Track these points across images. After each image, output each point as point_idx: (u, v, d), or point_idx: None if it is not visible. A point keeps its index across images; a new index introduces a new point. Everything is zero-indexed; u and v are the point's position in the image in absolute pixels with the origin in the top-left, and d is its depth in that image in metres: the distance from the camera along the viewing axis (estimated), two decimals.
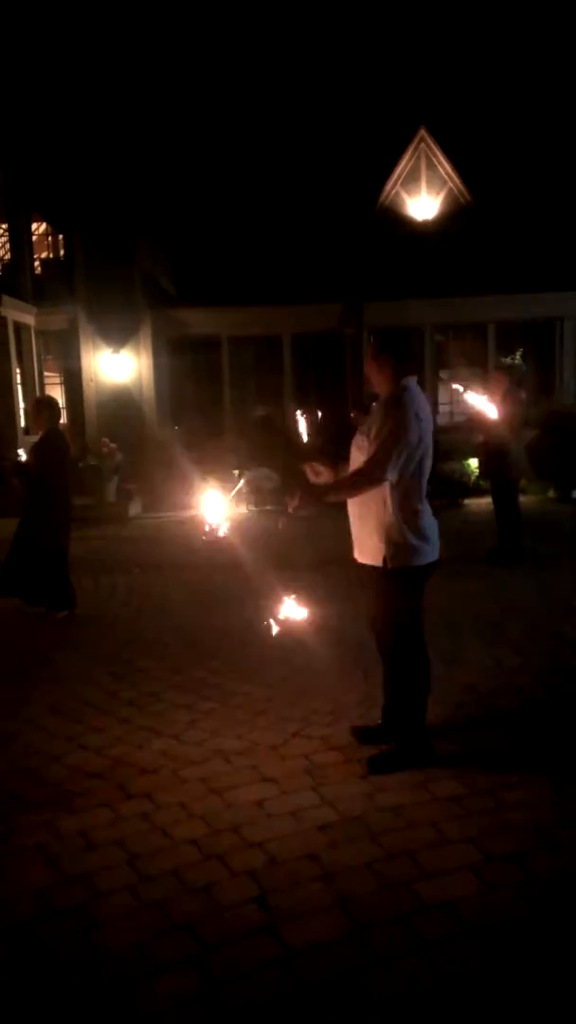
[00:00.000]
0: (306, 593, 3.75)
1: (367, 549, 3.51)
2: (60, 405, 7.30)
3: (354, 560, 3.64)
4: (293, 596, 3.79)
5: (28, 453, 6.52)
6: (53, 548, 6.33)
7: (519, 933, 2.47)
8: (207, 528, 3.75)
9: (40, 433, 6.44)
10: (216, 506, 3.74)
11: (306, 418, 5.48)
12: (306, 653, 5.24)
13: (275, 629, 3.77)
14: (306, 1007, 2.21)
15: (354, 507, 3.55)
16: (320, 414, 14.13)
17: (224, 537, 3.79)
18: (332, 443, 3.73)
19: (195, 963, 2.39)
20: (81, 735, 4.09)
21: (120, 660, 5.32)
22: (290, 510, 3.60)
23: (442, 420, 15.21)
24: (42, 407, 6.61)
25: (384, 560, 3.42)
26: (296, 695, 4.51)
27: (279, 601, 3.78)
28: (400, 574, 3.44)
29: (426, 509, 3.52)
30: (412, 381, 3.53)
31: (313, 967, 2.35)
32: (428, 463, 3.50)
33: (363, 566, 3.58)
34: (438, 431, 12.22)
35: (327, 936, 2.49)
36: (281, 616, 3.78)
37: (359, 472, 3.45)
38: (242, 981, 2.31)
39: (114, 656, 5.42)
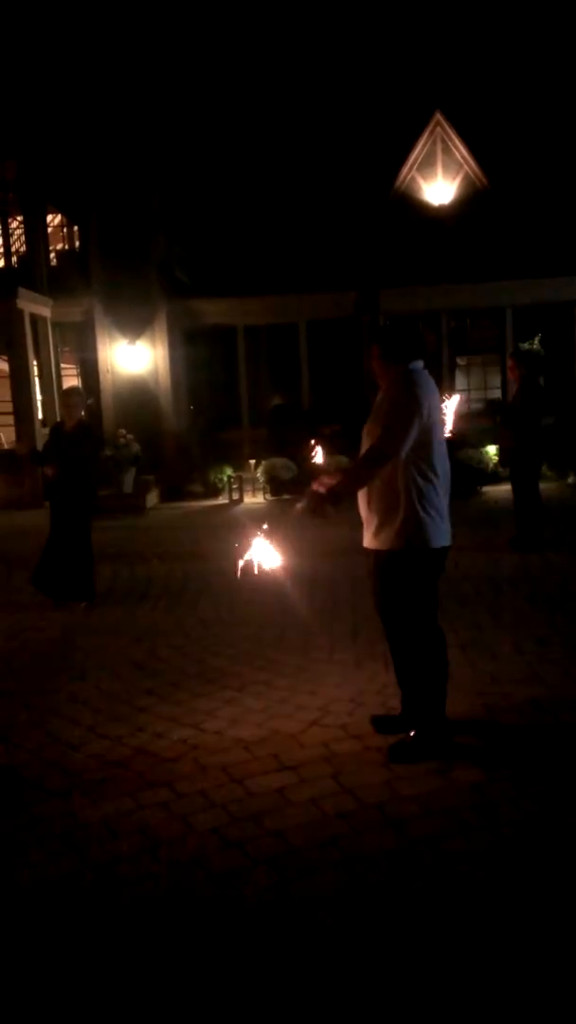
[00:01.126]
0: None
1: (381, 534, 3.47)
2: None
3: (364, 548, 3.62)
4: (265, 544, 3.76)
5: (69, 444, 6.41)
6: (87, 539, 6.40)
7: (541, 922, 2.46)
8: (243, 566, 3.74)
9: (73, 423, 6.45)
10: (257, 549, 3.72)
11: (322, 446, 5.46)
12: (325, 643, 5.25)
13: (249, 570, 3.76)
14: (328, 995, 2.22)
15: (367, 492, 3.52)
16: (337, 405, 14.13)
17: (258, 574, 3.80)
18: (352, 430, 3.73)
19: (217, 952, 2.41)
20: (102, 724, 4.12)
21: (140, 650, 5.35)
22: (300, 508, 3.61)
23: (459, 407, 15.12)
24: (78, 397, 6.65)
25: (409, 542, 3.40)
26: (315, 684, 4.51)
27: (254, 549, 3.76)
28: (416, 557, 3.42)
29: (444, 491, 3.50)
30: (418, 364, 3.53)
31: (335, 955, 2.36)
32: (442, 445, 3.49)
33: (375, 552, 3.55)
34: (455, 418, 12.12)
35: (348, 924, 2.49)
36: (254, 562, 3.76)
37: (370, 452, 3.42)
38: (263, 969, 2.32)
39: (133, 646, 5.45)
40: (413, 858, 2.81)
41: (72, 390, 7.07)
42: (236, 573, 3.77)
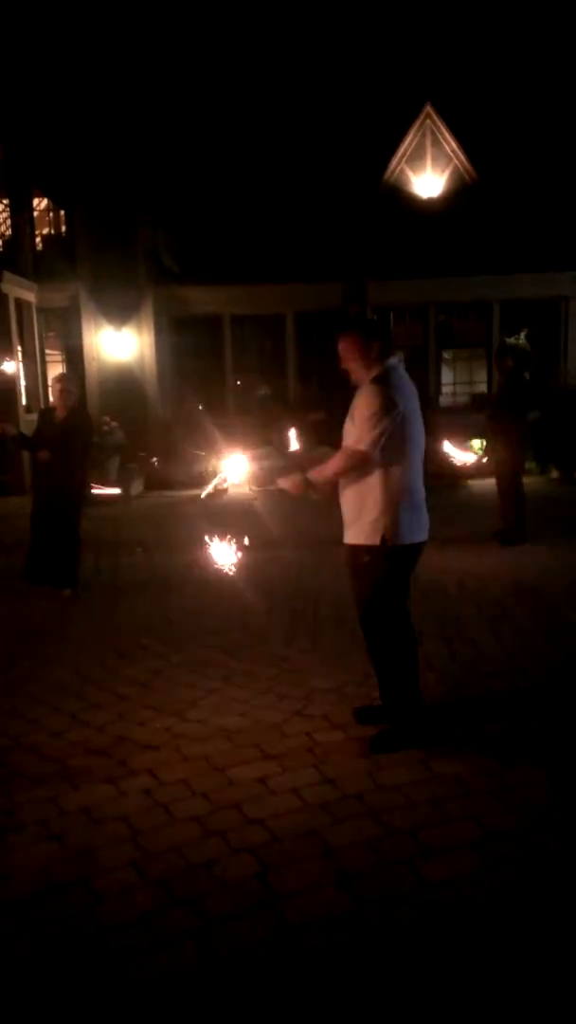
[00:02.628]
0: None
1: (361, 529, 3.49)
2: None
3: (343, 543, 3.62)
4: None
5: (62, 430, 6.34)
6: (76, 526, 6.37)
7: (520, 911, 2.49)
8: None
9: (65, 412, 6.35)
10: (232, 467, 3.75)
11: (303, 433, 5.49)
12: (309, 633, 5.27)
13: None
14: (305, 982, 2.23)
15: (347, 488, 3.54)
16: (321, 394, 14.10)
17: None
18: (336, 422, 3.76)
19: (197, 937, 2.42)
20: (84, 712, 4.11)
21: (122, 638, 5.33)
22: (277, 486, 3.66)
23: (444, 401, 15.17)
24: (72, 383, 6.57)
25: (383, 539, 3.42)
26: (297, 675, 4.52)
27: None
28: (395, 552, 3.45)
29: (419, 488, 3.53)
30: (396, 360, 3.53)
31: (313, 942, 2.38)
32: (419, 443, 3.51)
33: (353, 547, 3.57)
34: (439, 412, 12.18)
35: (327, 913, 2.51)
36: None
37: (344, 452, 3.47)
38: (242, 956, 2.33)
39: (116, 634, 5.43)
40: (394, 848, 2.82)
41: (66, 376, 6.99)
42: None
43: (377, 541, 3.43)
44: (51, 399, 7.17)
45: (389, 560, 3.47)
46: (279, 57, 16.14)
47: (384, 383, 3.41)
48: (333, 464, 3.51)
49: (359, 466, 3.42)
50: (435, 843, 2.84)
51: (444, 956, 2.31)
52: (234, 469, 3.78)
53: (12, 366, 7.95)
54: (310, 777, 3.34)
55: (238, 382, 15.26)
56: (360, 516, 3.48)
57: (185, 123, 15.54)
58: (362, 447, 3.37)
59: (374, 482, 3.42)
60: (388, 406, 3.36)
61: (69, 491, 6.35)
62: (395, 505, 3.42)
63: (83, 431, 6.46)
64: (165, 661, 4.86)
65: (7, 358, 8.84)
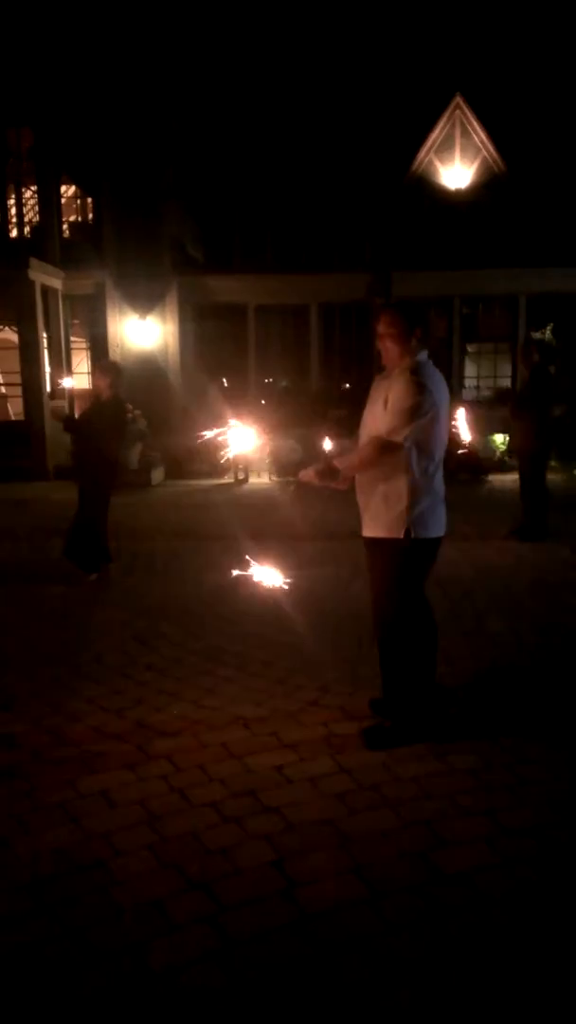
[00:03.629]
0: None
1: (381, 522, 3.47)
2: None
3: (362, 536, 3.61)
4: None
5: (91, 415, 6.42)
6: (92, 510, 6.41)
7: (534, 907, 2.48)
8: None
9: (105, 396, 6.38)
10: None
11: (331, 433, 5.47)
12: (326, 623, 5.27)
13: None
14: (319, 969, 2.24)
15: (368, 481, 3.51)
16: (347, 385, 14.06)
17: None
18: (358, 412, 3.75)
19: (211, 922, 2.43)
20: (102, 697, 4.15)
21: (142, 625, 5.37)
22: (305, 477, 3.62)
23: (468, 395, 15.07)
24: (115, 371, 6.57)
25: (407, 532, 3.41)
26: (315, 664, 4.53)
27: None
28: (418, 545, 3.44)
29: (436, 482, 3.50)
30: (424, 355, 3.48)
31: (327, 931, 2.38)
32: (444, 438, 3.49)
33: (372, 540, 3.55)
34: (463, 405, 12.11)
35: (342, 902, 2.51)
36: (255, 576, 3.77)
37: (375, 443, 3.42)
38: (257, 942, 2.35)
39: (136, 621, 5.47)
40: (409, 840, 2.82)
41: (112, 364, 7.01)
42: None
43: (401, 534, 3.41)
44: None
45: (411, 553, 3.45)
46: (309, 47, 16.03)
47: (421, 375, 3.38)
48: (363, 453, 3.48)
49: (389, 457, 3.40)
50: (450, 836, 2.84)
51: (456, 948, 2.31)
52: (243, 444, 3.75)
53: (70, 382, 8.05)
54: (327, 767, 3.34)
55: (268, 380, 15.24)
56: (384, 509, 3.46)
57: (213, 113, 15.51)
58: (397, 438, 3.34)
59: (401, 474, 3.39)
60: (427, 401, 3.33)
61: (92, 475, 6.38)
62: (421, 499, 3.41)
63: (106, 416, 6.39)
64: (183, 648, 4.88)
65: (67, 374, 8.97)
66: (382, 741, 3.51)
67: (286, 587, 3.88)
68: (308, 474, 3.63)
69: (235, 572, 4.16)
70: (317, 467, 3.58)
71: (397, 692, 3.62)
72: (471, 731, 3.65)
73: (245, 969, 2.25)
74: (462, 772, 3.28)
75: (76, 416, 6.90)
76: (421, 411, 3.33)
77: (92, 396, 6.80)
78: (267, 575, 4.16)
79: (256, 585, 4.42)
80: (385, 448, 3.39)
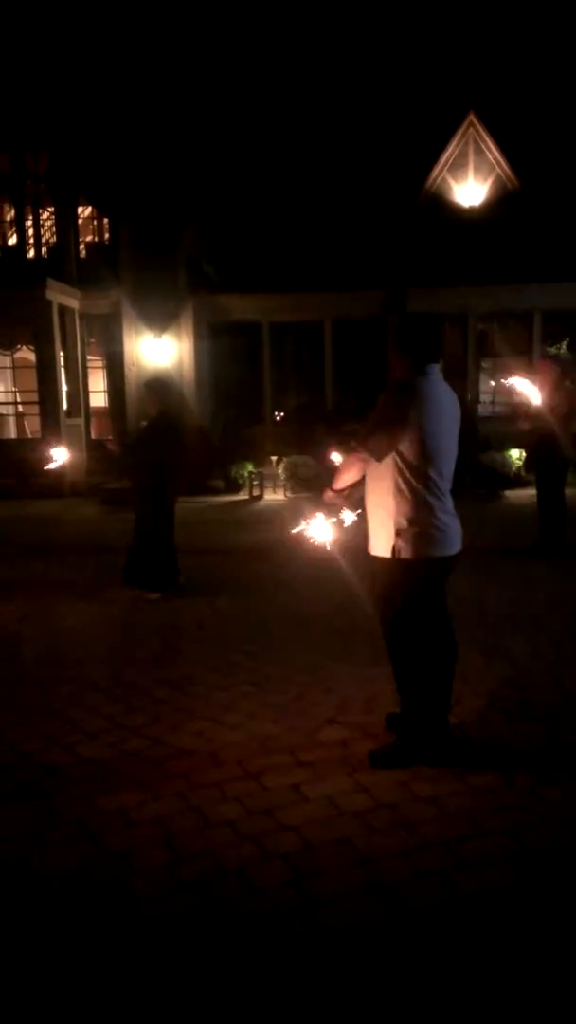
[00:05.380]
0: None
1: (379, 540, 3.45)
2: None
3: (367, 553, 3.57)
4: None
5: (143, 436, 6.52)
6: (162, 529, 6.47)
7: (555, 930, 2.45)
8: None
9: (154, 415, 6.44)
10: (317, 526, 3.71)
11: (340, 447, 5.48)
12: (343, 641, 5.25)
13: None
14: (336, 990, 2.22)
15: (370, 498, 3.51)
16: (357, 403, 14.10)
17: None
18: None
19: (230, 943, 2.41)
20: (120, 714, 4.15)
21: (158, 642, 5.37)
22: (325, 498, 3.63)
23: (484, 410, 15.05)
24: (155, 389, 6.60)
25: (394, 550, 3.36)
26: (332, 682, 4.51)
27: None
28: (412, 565, 3.38)
29: (442, 501, 3.42)
30: (434, 368, 3.42)
31: (346, 953, 2.36)
32: (445, 457, 3.41)
33: (376, 559, 3.52)
34: (478, 421, 12.09)
35: (360, 922, 2.49)
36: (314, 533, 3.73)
37: (349, 450, 3.45)
38: (276, 963, 2.33)
39: (152, 637, 5.48)
40: (427, 860, 2.80)
41: (147, 382, 7.05)
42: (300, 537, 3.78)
43: (401, 554, 3.37)
44: None
45: (408, 573, 3.39)
46: (323, 65, 16.21)
47: (403, 390, 3.35)
48: (341, 467, 3.53)
49: (358, 464, 3.42)
50: (470, 856, 2.81)
51: (476, 970, 2.28)
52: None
53: (63, 453, 8.17)
54: (344, 785, 3.32)
55: (279, 416, 15.34)
56: (380, 527, 3.44)
57: (228, 134, 15.68)
58: (360, 444, 3.35)
59: (390, 492, 3.37)
60: (396, 415, 3.29)
61: (149, 495, 6.38)
62: (411, 517, 3.34)
63: (160, 436, 6.37)
64: (200, 666, 4.88)
65: (58, 445, 9.09)
66: (387, 762, 3.47)
67: (303, 603, 3.86)
68: (326, 508, 3.63)
69: (249, 580, 4.14)
70: (326, 493, 3.59)
71: (407, 711, 3.58)
72: (490, 750, 3.62)
73: (262, 992, 2.23)
74: (481, 791, 3.25)
75: (130, 443, 6.97)
76: (391, 422, 3.28)
77: (144, 417, 6.85)
78: (284, 592, 4.16)
79: (272, 602, 4.42)
80: (354, 458, 3.41)
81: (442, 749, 3.51)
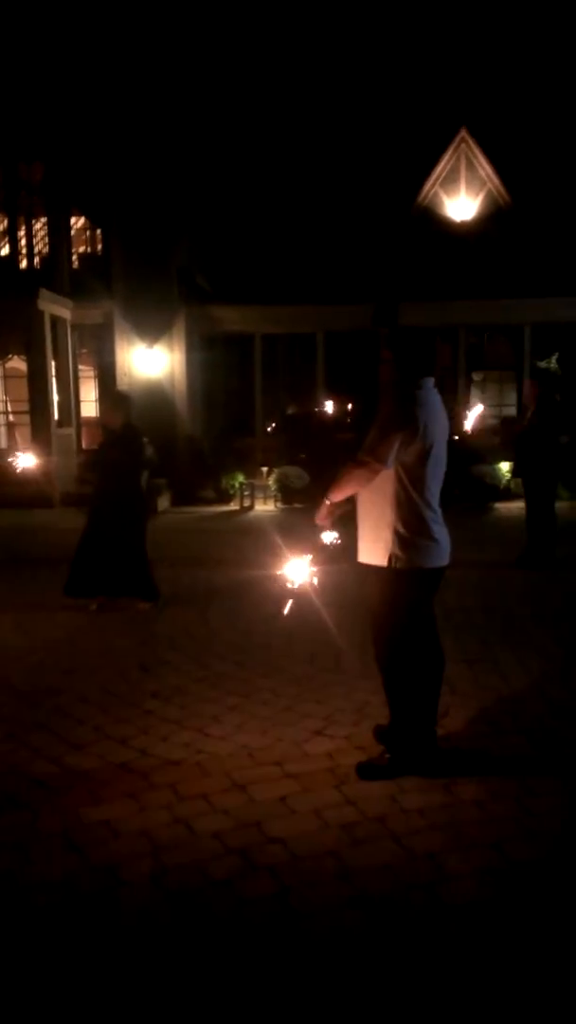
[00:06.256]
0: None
1: (371, 549, 3.44)
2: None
3: (356, 561, 3.56)
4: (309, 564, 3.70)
5: (107, 447, 6.53)
6: (131, 540, 6.41)
7: (540, 943, 2.45)
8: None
9: (118, 428, 6.44)
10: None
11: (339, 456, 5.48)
12: (332, 652, 5.25)
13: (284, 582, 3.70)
14: (322, 1004, 2.22)
15: (360, 506, 3.50)
16: (351, 406, 14.15)
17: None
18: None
19: (215, 956, 2.41)
20: (107, 725, 4.14)
21: (146, 653, 5.36)
22: (318, 521, 3.57)
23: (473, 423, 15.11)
24: (121, 401, 6.65)
25: (389, 559, 3.36)
26: (320, 693, 4.51)
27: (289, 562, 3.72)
28: (405, 575, 3.38)
29: (435, 512, 3.45)
30: (428, 382, 3.45)
31: (331, 964, 2.36)
32: (438, 468, 3.43)
33: (365, 567, 3.51)
34: (467, 434, 12.16)
35: (345, 934, 2.49)
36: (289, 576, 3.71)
37: (352, 462, 3.38)
38: (259, 975, 2.32)
39: (140, 648, 5.47)
40: (414, 872, 2.80)
41: (120, 394, 7.10)
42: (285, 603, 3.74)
43: (385, 562, 3.37)
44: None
45: (399, 583, 3.39)
46: (315, 80, 16.35)
47: (408, 400, 3.36)
48: (342, 478, 3.42)
49: (367, 476, 3.34)
50: (456, 869, 2.81)
51: (460, 982, 2.28)
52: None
53: (30, 459, 8.16)
54: (331, 798, 3.32)
55: (270, 428, 15.36)
56: (372, 535, 3.43)
57: (221, 145, 15.79)
58: (368, 457, 3.30)
59: (388, 501, 3.36)
60: (406, 422, 3.29)
61: (118, 505, 6.35)
62: (408, 527, 3.35)
63: (124, 446, 6.41)
64: (188, 676, 4.87)
65: (25, 448, 9.06)
66: (375, 774, 3.46)
67: (292, 614, 3.87)
68: (322, 522, 3.58)
69: (240, 592, 4.13)
70: (319, 516, 3.55)
71: (396, 722, 3.57)
72: (476, 762, 3.62)
73: (246, 1003, 2.22)
74: (468, 803, 3.25)
75: (94, 457, 6.92)
76: (400, 426, 3.28)
77: (105, 430, 6.83)
78: (272, 601, 4.15)
79: (261, 612, 4.42)
80: (359, 466, 3.33)
81: (429, 761, 3.52)
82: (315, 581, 3.67)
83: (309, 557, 3.64)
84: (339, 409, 14.33)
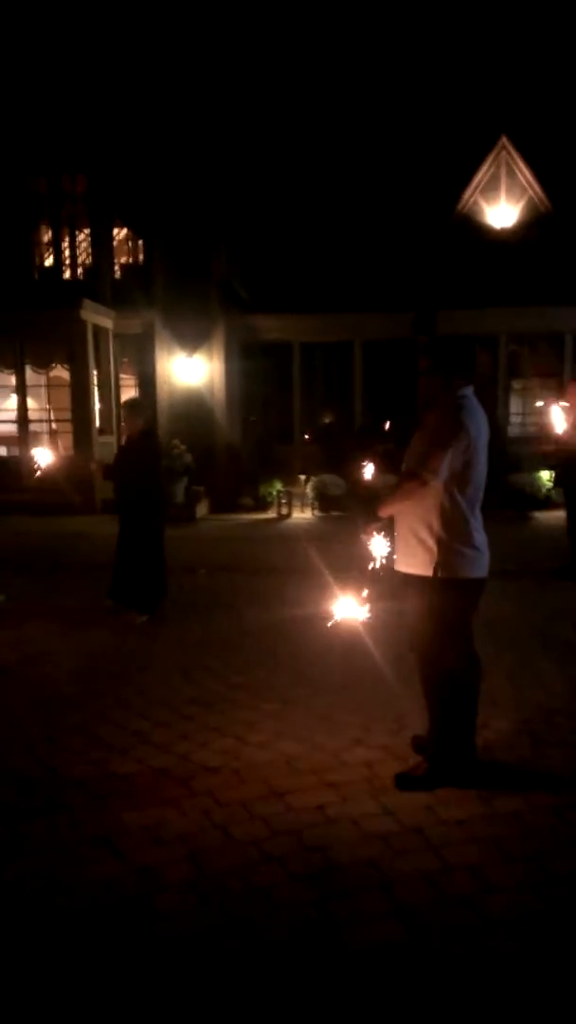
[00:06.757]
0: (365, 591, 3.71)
1: (414, 558, 3.43)
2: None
3: (396, 570, 3.56)
4: (353, 595, 3.72)
5: (123, 453, 6.59)
6: (147, 549, 6.44)
7: None
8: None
9: (135, 434, 6.50)
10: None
11: (375, 463, 5.51)
12: (368, 660, 5.24)
13: (333, 621, 3.74)
14: (359, 1014, 2.22)
15: (402, 515, 3.49)
16: (389, 423, 14.10)
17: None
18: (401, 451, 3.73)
19: (254, 963, 2.42)
20: (147, 731, 4.18)
21: (186, 659, 5.41)
22: (364, 537, 3.57)
23: (513, 431, 14.99)
24: (138, 409, 6.74)
25: (434, 569, 3.35)
26: (357, 702, 4.51)
27: (340, 598, 3.74)
28: (450, 585, 3.37)
29: (478, 521, 3.44)
30: (469, 390, 3.45)
31: (369, 975, 2.36)
32: (482, 476, 3.43)
33: (406, 576, 3.50)
34: (509, 442, 12.05)
35: (385, 944, 2.48)
36: (339, 614, 3.73)
37: (406, 475, 3.39)
38: (299, 984, 2.33)
39: (180, 655, 5.52)
40: (453, 884, 2.79)
41: (135, 402, 7.20)
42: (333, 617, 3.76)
43: (430, 572, 3.36)
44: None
45: (443, 593, 3.38)
46: (355, 90, 16.41)
47: (455, 409, 3.36)
48: (397, 490, 3.44)
49: (420, 490, 3.34)
50: (496, 881, 2.79)
51: (501, 997, 2.26)
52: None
53: (46, 455, 8.17)
54: (369, 807, 3.32)
55: (306, 436, 15.40)
56: (415, 545, 3.42)
57: (260, 153, 15.91)
58: (427, 473, 3.30)
59: (432, 510, 3.36)
60: (455, 431, 3.30)
61: (138, 514, 6.42)
62: (452, 536, 3.34)
63: (145, 454, 6.45)
64: (227, 683, 4.90)
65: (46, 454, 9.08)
66: (413, 785, 3.45)
67: (329, 623, 3.88)
68: (367, 534, 3.59)
69: (279, 600, 4.15)
70: (365, 530, 3.55)
71: (436, 733, 3.56)
72: (515, 774, 3.59)
73: (285, 1011, 2.23)
74: (506, 816, 3.23)
75: (112, 462, 6.98)
76: (453, 440, 3.28)
77: (125, 437, 6.90)
78: (311, 610, 4.17)
79: (300, 621, 4.43)
80: (413, 481, 3.34)
81: (468, 772, 3.50)
82: (367, 616, 3.66)
83: (363, 593, 3.63)
84: (375, 422, 14.32)
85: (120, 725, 4.27)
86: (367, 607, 3.62)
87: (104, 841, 3.11)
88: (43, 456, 8.00)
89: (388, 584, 3.64)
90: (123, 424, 6.98)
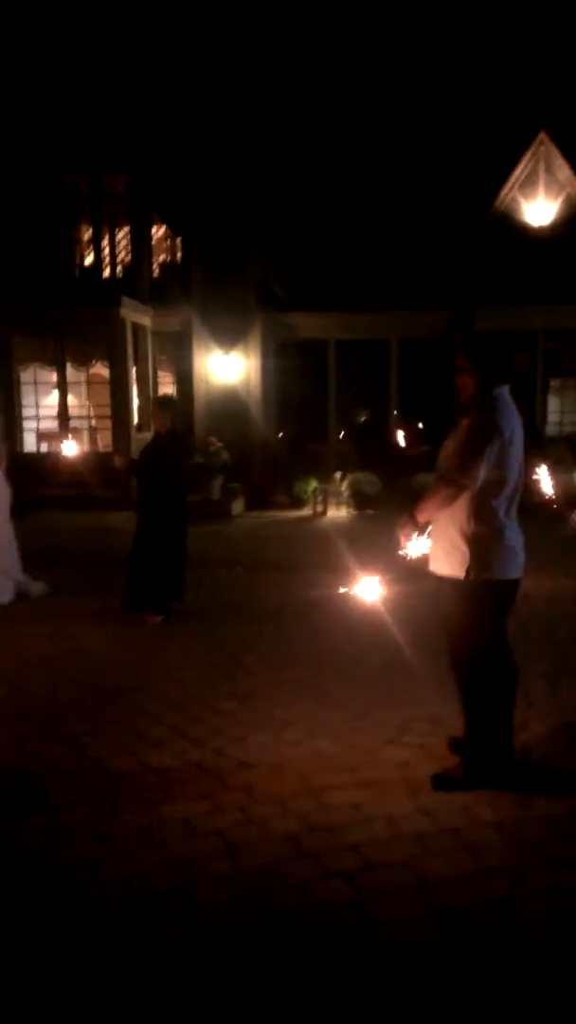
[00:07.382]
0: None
1: (448, 560, 3.40)
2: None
3: (431, 572, 3.53)
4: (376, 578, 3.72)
5: (150, 450, 6.54)
6: (165, 548, 6.35)
7: None
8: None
9: (163, 431, 6.48)
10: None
11: (406, 430, 5.49)
12: (406, 660, 5.24)
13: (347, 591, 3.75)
14: (395, 1014, 2.23)
15: (440, 518, 3.45)
16: (422, 425, 14.03)
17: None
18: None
19: (289, 959, 2.44)
20: (183, 725, 4.23)
21: (222, 655, 5.45)
22: (403, 533, 3.50)
23: (550, 430, 14.81)
24: (167, 405, 6.73)
25: (468, 571, 3.33)
26: (393, 701, 4.51)
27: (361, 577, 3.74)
28: (485, 586, 3.35)
29: (513, 521, 3.41)
30: (504, 390, 3.41)
31: (406, 975, 2.37)
32: (517, 476, 3.39)
33: (441, 578, 3.48)
34: (546, 441, 11.90)
35: (421, 945, 2.49)
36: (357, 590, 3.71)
37: (443, 480, 3.36)
38: (335, 981, 2.35)
39: (216, 651, 5.56)
40: (491, 887, 2.78)
41: (166, 398, 7.22)
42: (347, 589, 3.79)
43: (469, 575, 3.33)
44: None
45: (478, 595, 3.36)
46: (392, 86, 16.31)
47: (489, 410, 3.33)
48: (431, 497, 3.39)
49: (457, 495, 3.31)
50: (533, 885, 2.78)
51: (541, 1002, 2.25)
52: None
53: (72, 447, 8.08)
54: (405, 806, 3.32)
55: (341, 435, 15.36)
56: (450, 546, 3.39)
57: (297, 152, 15.90)
58: (462, 477, 3.28)
59: (465, 512, 3.33)
60: (490, 433, 3.27)
61: (159, 512, 6.32)
62: (487, 537, 3.32)
63: (170, 452, 6.38)
64: (262, 680, 4.93)
65: (67, 437, 8.94)
66: (450, 786, 3.44)
67: (366, 621, 3.88)
68: (403, 538, 3.53)
69: (315, 597, 4.18)
70: (403, 524, 3.50)
71: (473, 734, 3.55)
72: (553, 777, 3.57)
73: (321, 1009, 2.25)
74: (544, 819, 3.21)
75: (137, 457, 6.88)
76: (486, 442, 3.25)
77: (153, 433, 6.84)
78: (347, 607, 4.18)
79: (333, 618, 4.44)
80: (449, 486, 3.31)
81: (505, 774, 3.48)
82: (384, 597, 3.67)
83: (379, 577, 3.66)
84: (412, 417, 14.26)
85: (157, 718, 4.32)
86: (384, 588, 3.68)
87: (144, 833, 3.15)
88: (80, 452, 8.03)
89: (413, 570, 3.65)
90: (152, 420, 6.95)
